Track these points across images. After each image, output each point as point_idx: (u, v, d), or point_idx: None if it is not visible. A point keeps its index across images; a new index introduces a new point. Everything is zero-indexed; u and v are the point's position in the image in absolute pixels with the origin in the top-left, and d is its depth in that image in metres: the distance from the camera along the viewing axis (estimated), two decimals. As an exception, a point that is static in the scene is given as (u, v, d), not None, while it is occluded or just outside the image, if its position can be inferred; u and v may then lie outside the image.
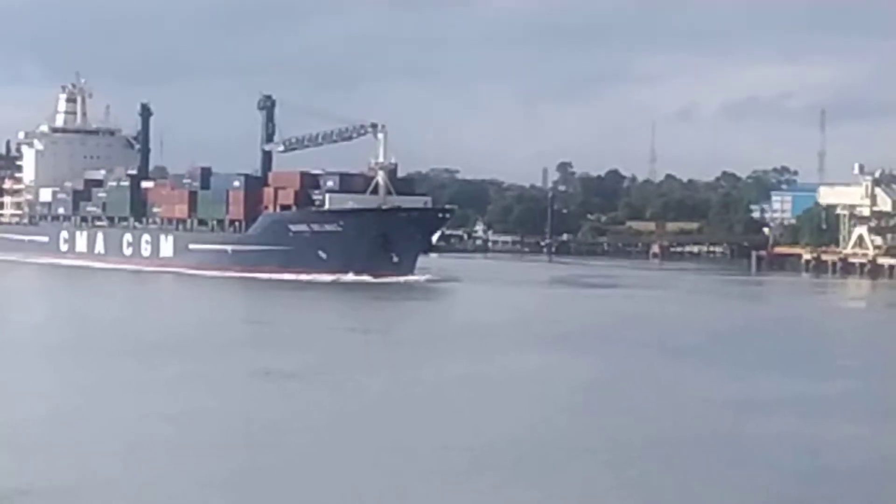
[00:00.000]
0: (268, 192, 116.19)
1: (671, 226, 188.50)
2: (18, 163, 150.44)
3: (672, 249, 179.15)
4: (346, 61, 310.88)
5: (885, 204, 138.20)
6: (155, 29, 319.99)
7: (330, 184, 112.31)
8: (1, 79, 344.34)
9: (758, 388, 46.98)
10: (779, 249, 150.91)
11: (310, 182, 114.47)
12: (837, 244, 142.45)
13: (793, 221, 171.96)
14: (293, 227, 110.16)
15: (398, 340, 64.92)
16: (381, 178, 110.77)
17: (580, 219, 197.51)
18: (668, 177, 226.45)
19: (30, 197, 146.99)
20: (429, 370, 51.01)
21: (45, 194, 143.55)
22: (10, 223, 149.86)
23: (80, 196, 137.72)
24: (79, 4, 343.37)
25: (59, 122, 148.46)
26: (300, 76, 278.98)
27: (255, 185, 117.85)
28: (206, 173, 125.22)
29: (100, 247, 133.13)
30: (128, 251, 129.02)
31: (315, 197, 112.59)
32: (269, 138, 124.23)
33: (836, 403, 44.40)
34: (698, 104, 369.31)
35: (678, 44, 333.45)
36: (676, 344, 63.08)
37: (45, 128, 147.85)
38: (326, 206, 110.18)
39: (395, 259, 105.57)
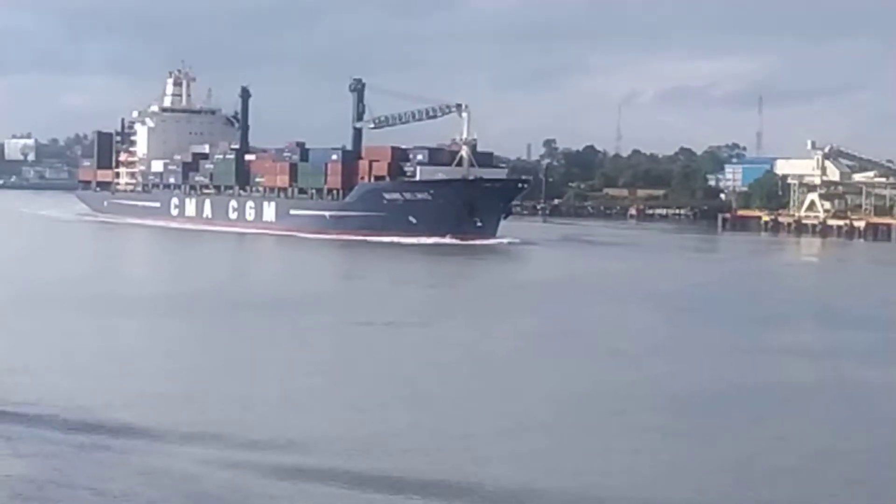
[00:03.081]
0: (363, 164, 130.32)
1: (641, 192, 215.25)
2: (132, 138, 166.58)
3: (646, 212, 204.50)
4: (347, 56, 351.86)
5: (833, 174, 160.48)
6: (239, 22, 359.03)
7: (420, 157, 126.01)
8: (113, 65, 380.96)
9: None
10: (741, 212, 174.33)
11: (400, 155, 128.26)
12: (786, 208, 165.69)
13: (744, 189, 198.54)
14: (387, 196, 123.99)
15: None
16: (465, 152, 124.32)
17: (563, 186, 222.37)
18: (635, 151, 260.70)
19: (143, 168, 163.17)
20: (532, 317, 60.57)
21: (157, 165, 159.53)
22: (125, 191, 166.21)
23: (189, 167, 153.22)
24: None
25: (167, 102, 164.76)
26: (303, 69, 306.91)
27: (350, 158, 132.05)
28: (303, 148, 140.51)
29: (207, 212, 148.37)
30: (233, 216, 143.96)
31: (407, 169, 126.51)
32: (360, 117, 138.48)
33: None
34: (638, 92, 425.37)
35: (622, 41, 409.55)
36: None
37: (155, 108, 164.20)
38: (417, 177, 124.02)
39: (479, 224, 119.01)
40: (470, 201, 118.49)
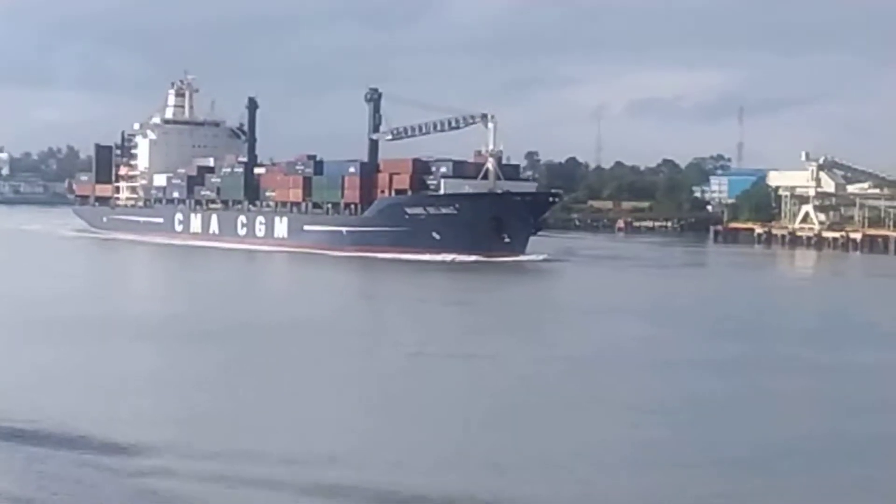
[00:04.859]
0: (382, 177, 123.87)
1: (626, 204, 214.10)
2: (133, 151, 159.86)
3: (633, 225, 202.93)
4: (321, 69, 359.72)
5: (828, 186, 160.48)
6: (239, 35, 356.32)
7: (444, 170, 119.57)
8: (114, 77, 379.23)
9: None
10: (733, 224, 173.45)
11: (422, 168, 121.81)
12: (777, 219, 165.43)
13: (730, 201, 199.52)
14: (409, 210, 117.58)
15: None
16: (491, 164, 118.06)
17: None
18: (618, 163, 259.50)
19: (144, 182, 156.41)
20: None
21: (160, 179, 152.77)
22: (125, 206, 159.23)
23: (194, 181, 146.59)
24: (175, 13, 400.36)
25: (170, 114, 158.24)
26: (278, 82, 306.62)
27: (369, 171, 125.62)
28: (316, 161, 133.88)
29: (214, 227, 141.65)
30: (242, 231, 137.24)
31: (430, 182, 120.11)
32: (376, 128, 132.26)
33: None
34: (609, 104, 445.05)
35: (593, 53, 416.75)
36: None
37: (157, 119, 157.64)
38: (442, 191, 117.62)
39: (507, 240, 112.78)
40: (498, 216, 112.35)
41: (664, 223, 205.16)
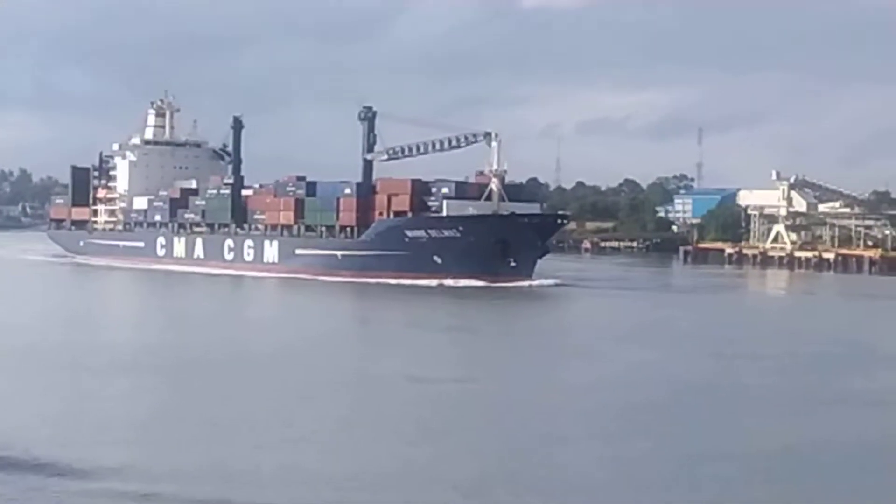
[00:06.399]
0: (380, 198, 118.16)
1: (589, 225, 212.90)
2: (112, 173, 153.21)
3: (599, 245, 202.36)
4: (269, 87, 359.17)
5: (800, 205, 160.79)
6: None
7: (445, 191, 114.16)
8: (90, 96, 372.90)
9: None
10: (703, 244, 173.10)
11: (422, 189, 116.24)
12: (745, 239, 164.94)
13: (695, 220, 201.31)
14: (409, 233, 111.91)
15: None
16: (495, 184, 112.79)
17: None
18: (579, 183, 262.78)
19: (124, 205, 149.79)
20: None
21: (140, 202, 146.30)
22: (104, 229, 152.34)
23: (177, 203, 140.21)
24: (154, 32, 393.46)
25: (150, 134, 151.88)
26: (227, 100, 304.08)
27: (365, 192, 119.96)
28: (308, 182, 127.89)
29: (199, 252, 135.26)
30: (229, 256, 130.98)
31: (431, 203, 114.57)
32: (370, 148, 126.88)
33: None
34: (559, 124, 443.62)
35: (541, 73, 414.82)
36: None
37: (136, 140, 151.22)
38: (444, 213, 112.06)
39: (514, 264, 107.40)
40: (504, 239, 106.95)
41: (630, 243, 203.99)
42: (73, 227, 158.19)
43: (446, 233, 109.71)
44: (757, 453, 33.12)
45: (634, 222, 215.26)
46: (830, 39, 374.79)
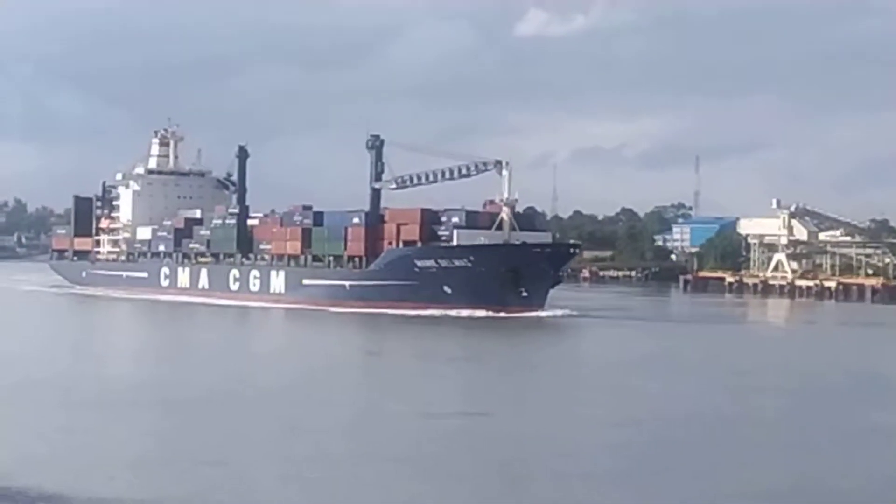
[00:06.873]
0: (388, 227, 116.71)
1: (587, 253, 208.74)
2: (115, 203, 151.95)
3: (599, 274, 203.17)
4: (263, 114, 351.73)
5: (800, 234, 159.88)
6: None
7: (455, 220, 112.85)
8: (84, 123, 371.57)
9: None
10: (703, 273, 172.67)
11: (431, 218, 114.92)
12: (745, 268, 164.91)
13: (693, 249, 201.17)
14: (419, 263, 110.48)
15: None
16: (505, 213, 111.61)
17: None
18: (576, 212, 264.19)
19: (127, 235, 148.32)
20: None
21: (144, 232, 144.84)
22: (106, 260, 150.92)
23: (182, 233, 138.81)
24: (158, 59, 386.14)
25: (153, 164, 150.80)
26: (224, 127, 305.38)
27: (374, 222, 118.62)
28: (315, 211, 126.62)
29: (204, 282, 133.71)
30: (234, 286, 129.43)
31: (441, 233, 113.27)
32: (378, 176, 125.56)
33: None
34: (553, 153, 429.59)
35: (538, 101, 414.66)
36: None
37: (140, 169, 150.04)
38: (455, 242, 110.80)
39: (525, 294, 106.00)
40: (516, 268, 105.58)
41: (629, 273, 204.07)
42: (75, 258, 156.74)
43: (457, 262, 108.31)
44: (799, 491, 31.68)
45: (633, 251, 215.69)
46: (825, 65, 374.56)
